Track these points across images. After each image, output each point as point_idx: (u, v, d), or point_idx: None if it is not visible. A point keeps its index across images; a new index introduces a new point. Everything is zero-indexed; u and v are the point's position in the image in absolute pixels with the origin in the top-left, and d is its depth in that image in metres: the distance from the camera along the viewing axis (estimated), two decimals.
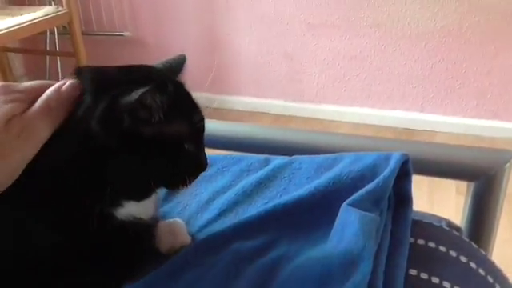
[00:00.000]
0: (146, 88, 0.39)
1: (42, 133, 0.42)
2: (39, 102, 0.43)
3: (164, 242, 0.53)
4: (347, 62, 2.50)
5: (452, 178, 0.66)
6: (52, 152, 0.42)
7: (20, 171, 0.42)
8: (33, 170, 0.42)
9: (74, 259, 0.44)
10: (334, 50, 2.49)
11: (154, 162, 0.44)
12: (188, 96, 0.48)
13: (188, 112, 0.46)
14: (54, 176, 0.43)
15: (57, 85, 0.45)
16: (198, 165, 0.48)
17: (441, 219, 0.60)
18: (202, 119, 0.48)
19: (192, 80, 0.50)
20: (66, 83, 0.44)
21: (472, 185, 0.65)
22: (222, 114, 2.61)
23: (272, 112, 2.68)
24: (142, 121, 0.41)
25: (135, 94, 0.39)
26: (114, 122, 0.41)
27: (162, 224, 0.54)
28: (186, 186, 0.47)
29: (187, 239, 0.54)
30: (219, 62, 2.68)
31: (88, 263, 0.45)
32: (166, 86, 0.42)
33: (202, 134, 0.48)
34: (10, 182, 0.41)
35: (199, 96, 0.48)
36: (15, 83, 0.46)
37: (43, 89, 0.45)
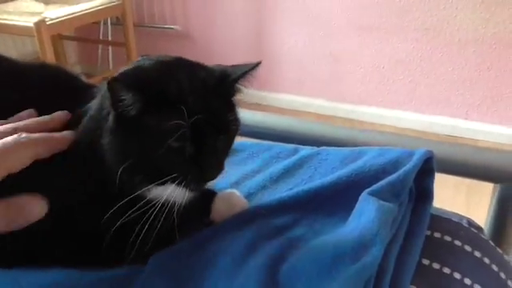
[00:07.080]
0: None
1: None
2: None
3: (220, 213, 0.55)
4: (392, 66, 2.48)
5: (477, 179, 0.66)
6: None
7: None
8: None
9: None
10: (379, 53, 2.48)
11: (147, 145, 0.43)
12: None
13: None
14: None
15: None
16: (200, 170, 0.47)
17: (462, 217, 0.61)
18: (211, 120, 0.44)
19: None
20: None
21: (498, 187, 0.66)
22: (263, 109, 2.64)
23: (313, 111, 2.70)
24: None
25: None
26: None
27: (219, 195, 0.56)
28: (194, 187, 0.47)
29: (245, 204, 0.56)
30: (263, 59, 2.72)
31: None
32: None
33: (208, 137, 0.45)
34: None
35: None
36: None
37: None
